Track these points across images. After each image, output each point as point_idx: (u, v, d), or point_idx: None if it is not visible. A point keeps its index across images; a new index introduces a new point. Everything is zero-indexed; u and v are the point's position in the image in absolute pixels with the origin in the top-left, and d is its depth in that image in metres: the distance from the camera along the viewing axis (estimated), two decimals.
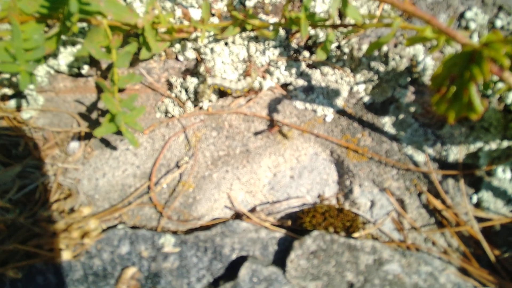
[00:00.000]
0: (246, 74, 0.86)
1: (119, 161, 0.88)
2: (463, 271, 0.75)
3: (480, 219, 0.76)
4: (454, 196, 0.78)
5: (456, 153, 0.77)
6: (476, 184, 0.77)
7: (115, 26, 0.84)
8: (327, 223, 0.76)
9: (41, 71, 0.93)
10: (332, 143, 0.84)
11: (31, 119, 0.94)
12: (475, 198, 0.77)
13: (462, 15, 0.82)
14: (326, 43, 0.78)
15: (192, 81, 0.87)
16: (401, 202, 0.81)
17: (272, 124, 0.83)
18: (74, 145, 0.91)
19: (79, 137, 0.92)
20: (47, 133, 0.94)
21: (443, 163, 0.79)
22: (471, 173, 0.77)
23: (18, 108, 0.95)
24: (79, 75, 0.95)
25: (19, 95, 0.95)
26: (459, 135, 0.78)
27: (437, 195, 0.79)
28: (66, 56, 0.92)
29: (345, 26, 0.78)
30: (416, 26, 0.71)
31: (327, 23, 0.80)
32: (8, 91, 0.95)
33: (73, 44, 0.93)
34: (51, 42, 0.82)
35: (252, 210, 0.84)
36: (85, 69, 0.93)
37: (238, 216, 0.83)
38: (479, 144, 0.76)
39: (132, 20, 0.82)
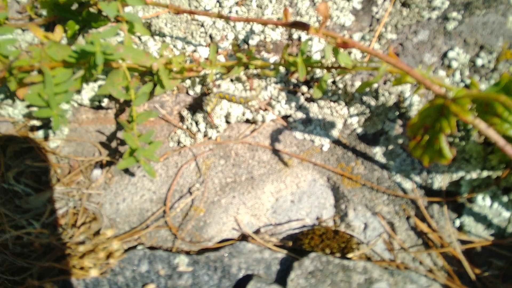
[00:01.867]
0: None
1: (137, 187, 0.98)
2: None
3: (462, 241, 0.84)
4: (438, 220, 0.86)
5: (440, 181, 0.86)
6: (458, 209, 0.86)
7: (132, 68, 0.94)
8: (324, 244, 0.85)
9: (66, 105, 1.04)
10: (329, 171, 0.93)
11: (58, 148, 1.05)
12: (457, 222, 0.85)
13: (445, 54, 0.90)
14: (322, 83, 0.87)
15: (201, 115, 0.97)
16: (391, 225, 0.90)
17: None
18: (96, 172, 1.01)
19: (101, 165, 1.02)
20: (72, 161, 1.04)
21: (428, 190, 0.87)
22: (454, 200, 0.85)
23: (46, 138, 1.06)
24: (100, 107, 1.05)
25: (46, 126, 1.06)
26: (442, 165, 0.87)
27: (423, 219, 0.87)
28: (88, 91, 1.02)
29: (337, 67, 0.86)
30: (401, 68, 0.80)
31: (323, 64, 0.89)
32: (36, 122, 1.06)
33: (95, 80, 1.04)
34: (76, 82, 0.93)
35: (257, 231, 0.93)
36: (105, 102, 1.03)
37: (244, 237, 0.92)
38: (461, 174, 0.84)
39: (148, 62, 0.92)
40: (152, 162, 1.00)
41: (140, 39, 1.05)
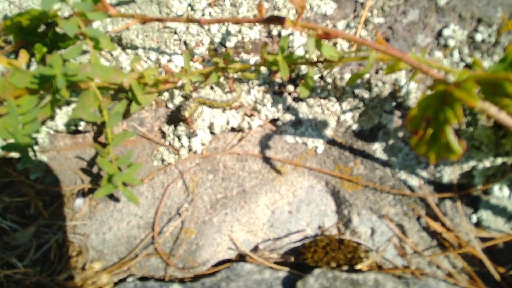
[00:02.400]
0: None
1: (122, 213, 0.91)
2: None
3: (482, 239, 0.76)
4: (453, 217, 0.77)
5: (449, 174, 0.77)
6: (474, 203, 0.77)
7: (103, 86, 0.87)
8: (329, 257, 0.77)
9: (42, 132, 0.97)
10: (326, 175, 0.85)
11: (38, 179, 0.99)
12: (474, 218, 0.76)
13: (440, 33, 0.82)
14: (308, 80, 0.79)
15: (182, 129, 0.89)
16: (401, 227, 0.81)
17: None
18: (79, 202, 0.94)
19: (83, 193, 0.95)
20: (54, 192, 0.98)
21: (438, 185, 0.79)
22: (468, 193, 0.76)
23: (26, 170, 1.00)
24: (77, 131, 0.99)
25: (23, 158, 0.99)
26: None
27: (435, 218, 0.78)
28: (62, 116, 0.96)
29: (323, 61, 0.79)
30: (392, 54, 0.71)
31: (307, 59, 0.81)
32: (15, 154, 1.00)
33: (68, 103, 0.97)
34: (46, 109, 0.86)
35: (255, 249, 0.85)
36: (82, 125, 0.97)
37: (241, 257, 0.85)
38: (472, 163, 0.76)
39: (118, 79, 0.85)
40: (137, 185, 0.93)
41: (111, 54, 0.98)
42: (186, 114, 0.83)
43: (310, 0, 0.91)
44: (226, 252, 0.86)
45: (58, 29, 0.97)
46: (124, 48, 0.98)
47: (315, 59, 0.80)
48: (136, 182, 0.83)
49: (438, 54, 0.81)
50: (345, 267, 0.77)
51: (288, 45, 0.90)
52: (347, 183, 0.84)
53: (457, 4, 0.82)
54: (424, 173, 0.79)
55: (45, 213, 0.96)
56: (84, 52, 0.96)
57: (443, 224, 0.77)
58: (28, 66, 0.98)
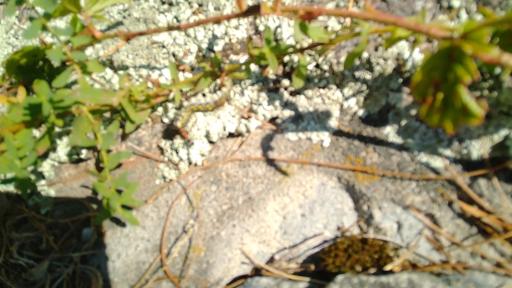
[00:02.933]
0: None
1: (129, 238, 0.87)
2: None
3: None
4: (491, 198, 0.66)
5: (479, 148, 0.67)
6: None
7: (95, 110, 0.86)
8: (352, 260, 0.68)
9: (46, 166, 0.97)
10: (337, 169, 0.77)
11: (48, 213, 0.98)
12: None
13: None
14: (300, 69, 0.73)
15: (180, 142, 0.85)
16: (431, 217, 0.71)
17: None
18: (86, 232, 0.92)
19: (90, 222, 0.93)
20: (63, 224, 0.96)
21: (467, 163, 0.68)
22: (504, 167, 0.65)
23: (36, 205, 0.99)
24: (80, 160, 0.97)
25: (34, 193, 0.99)
26: (476, 128, 0.68)
27: (471, 201, 0.68)
28: (63, 147, 0.95)
29: (315, 46, 0.72)
30: (386, 20, 0.63)
31: (296, 47, 0.75)
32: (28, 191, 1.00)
33: (67, 133, 0.96)
34: (44, 141, 0.86)
35: (271, 260, 0.78)
36: (83, 153, 0.95)
37: (257, 270, 0.77)
38: (503, 132, 0.65)
39: (108, 100, 0.83)
40: (142, 206, 0.89)
41: (105, 78, 0.97)
42: (179, 124, 0.79)
43: None
44: (240, 267, 0.79)
45: (53, 62, 0.98)
46: (116, 70, 0.97)
47: (305, 45, 0.74)
48: (136, 203, 0.79)
49: (442, 17, 0.72)
50: (372, 270, 0.68)
51: (275, 37, 0.85)
52: (361, 175, 0.75)
53: None
54: (448, 152, 0.69)
55: (55, 246, 0.94)
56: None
57: (480, 207, 0.67)
58: None
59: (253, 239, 0.78)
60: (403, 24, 0.55)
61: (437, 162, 0.70)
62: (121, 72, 0.97)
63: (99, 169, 0.96)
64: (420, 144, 0.72)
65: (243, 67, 0.82)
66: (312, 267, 0.74)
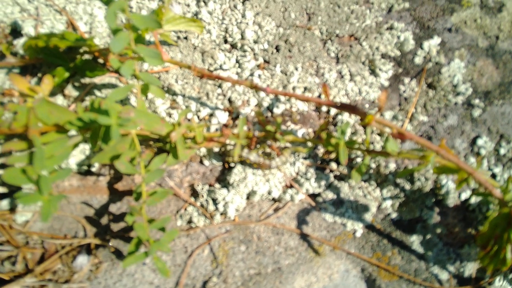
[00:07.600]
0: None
1: (134, 279, 0.79)
2: None
3: None
4: None
5: (470, 268, 0.82)
6: None
7: (142, 134, 0.79)
8: None
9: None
10: (364, 261, 0.84)
11: (27, 223, 0.82)
12: None
13: (474, 141, 0.91)
14: (362, 166, 0.81)
15: (221, 193, 0.83)
16: None
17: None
18: (82, 259, 0.80)
19: (88, 250, 0.81)
20: (48, 243, 0.82)
21: (460, 279, 0.83)
22: (479, 286, 0.81)
23: (12, 209, 0.83)
24: (89, 172, 0.86)
25: (12, 194, 0.83)
26: (474, 254, 0.83)
27: None
28: (76, 154, 0.84)
29: (381, 153, 0.81)
30: (465, 168, 0.71)
31: (362, 147, 0.83)
32: (0, 189, 0.83)
33: (86, 141, 0.85)
34: (68, 148, 0.75)
35: None
36: (96, 166, 0.85)
37: None
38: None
39: (163, 130, 0.78)
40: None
41: (146, 96, 0.91)
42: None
43: (359, 85, 0.95)
44: None
45: (87, 56, 0.88)
46: None
47: (371, 147, 0.83)
48: (166, 249, 0.73)
49: (472, 159, 0.89)
50: None
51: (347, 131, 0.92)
52: (383, 272, 0.83)
53: (487, 118, 0.92)
54: (451, 268, 0.83)
55: (35, 268, 0.79)
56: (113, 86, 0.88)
57: None
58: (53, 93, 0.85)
59: None
60: (476, 177, 0.67)
61: (444, 275, 0.83)
62: (167, 95, 0.92)
63: (112, 189, 0.86)
64: (435, 258, 0.84)
65: (309, 144, 0.86)
66: None
